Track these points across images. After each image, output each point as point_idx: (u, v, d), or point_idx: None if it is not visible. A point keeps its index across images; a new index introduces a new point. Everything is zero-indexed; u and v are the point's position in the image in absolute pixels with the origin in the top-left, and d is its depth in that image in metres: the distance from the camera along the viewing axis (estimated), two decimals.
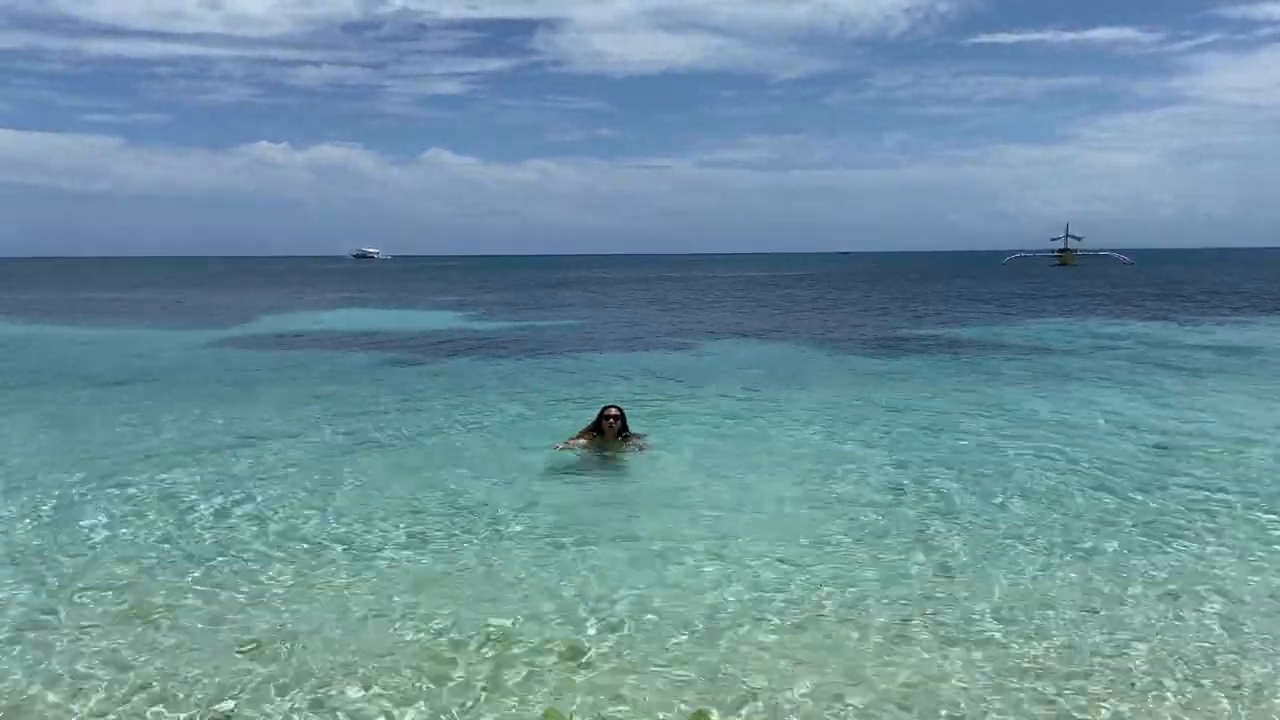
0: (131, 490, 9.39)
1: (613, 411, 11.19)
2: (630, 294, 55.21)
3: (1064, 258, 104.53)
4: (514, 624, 6.11)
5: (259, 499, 9.06)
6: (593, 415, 11.42)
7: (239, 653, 5.70)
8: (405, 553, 7.58)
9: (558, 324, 32.59)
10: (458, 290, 61.41)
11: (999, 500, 8.93)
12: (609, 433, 11.06)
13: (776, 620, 6.16)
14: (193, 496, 9.16)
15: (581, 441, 11.07)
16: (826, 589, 6.69)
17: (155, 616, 6.25)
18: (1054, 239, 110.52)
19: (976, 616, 6.21)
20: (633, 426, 11.35)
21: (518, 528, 8.20)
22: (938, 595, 6.59)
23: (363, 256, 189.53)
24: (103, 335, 29.11)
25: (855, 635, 5.94)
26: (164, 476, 9.92)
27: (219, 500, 9.02)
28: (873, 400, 14.85)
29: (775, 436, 12.07)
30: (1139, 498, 8.95)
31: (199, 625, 6.13)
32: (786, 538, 7.80)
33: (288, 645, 5.80)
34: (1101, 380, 16.99)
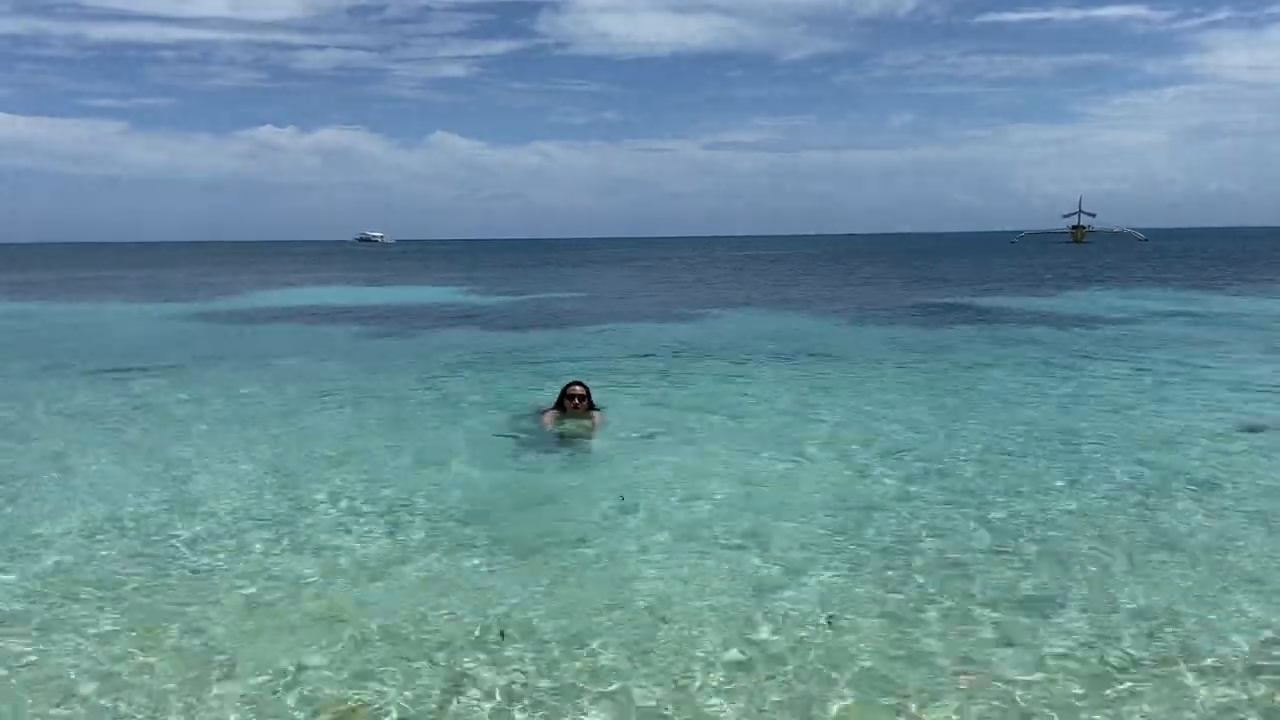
0: None
1: (577, 390, 9.71)
2: (639, 274, 53.74)
3: (1076, 234, 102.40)
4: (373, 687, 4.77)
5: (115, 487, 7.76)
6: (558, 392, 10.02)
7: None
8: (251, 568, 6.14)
9: (559, 304, 31.22)
10: (457, 271, 59.80)
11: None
12: (575, 414, 9.62)
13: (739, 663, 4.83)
14: None
15: (548, 419, 9.64)
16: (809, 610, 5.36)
17: None
18: (1066, 215, 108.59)
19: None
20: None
21: (419, 533, 6.76)
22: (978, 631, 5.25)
23: (366, 240, 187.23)
24: (98, 311, 27.86)
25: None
26: None
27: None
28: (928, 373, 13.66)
29: (799, 413, 10.72)
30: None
31: None
32: (781, 544, 6.45)
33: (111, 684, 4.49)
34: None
